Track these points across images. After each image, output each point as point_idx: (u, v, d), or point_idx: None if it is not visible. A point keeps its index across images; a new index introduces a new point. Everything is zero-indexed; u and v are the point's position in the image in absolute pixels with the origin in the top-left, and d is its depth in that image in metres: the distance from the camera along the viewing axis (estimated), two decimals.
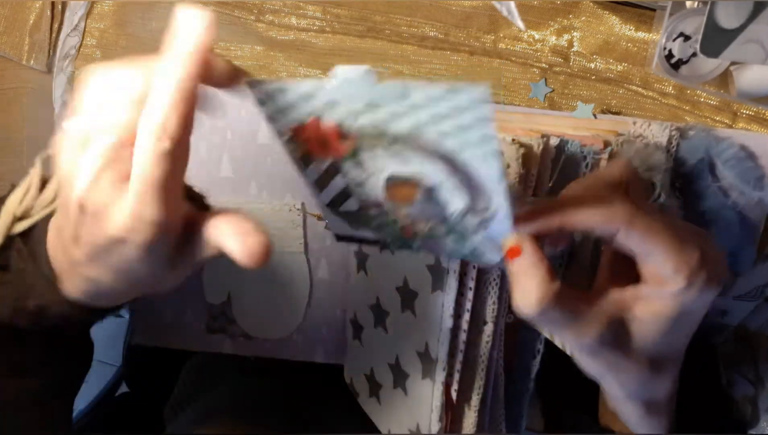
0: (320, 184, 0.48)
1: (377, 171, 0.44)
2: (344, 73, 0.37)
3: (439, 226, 0.46)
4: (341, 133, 0.42)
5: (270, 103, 0.41)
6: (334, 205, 0.49)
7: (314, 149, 0.45)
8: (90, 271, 0.43)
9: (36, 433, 0.55)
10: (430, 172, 0.42)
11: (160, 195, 0.37)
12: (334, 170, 0.46)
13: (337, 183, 0.47)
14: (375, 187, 0.46)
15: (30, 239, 0.50)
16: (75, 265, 0.43)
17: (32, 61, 0.72)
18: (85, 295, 0.46)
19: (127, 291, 0.45)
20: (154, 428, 0.72)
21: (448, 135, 0.38)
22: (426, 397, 0.55)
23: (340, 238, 0.52)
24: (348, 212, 0.49)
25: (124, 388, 1.19)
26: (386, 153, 0.42)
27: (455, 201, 0.42)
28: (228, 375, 0.85)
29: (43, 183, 0.53)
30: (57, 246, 0.45)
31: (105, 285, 0.43)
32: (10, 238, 0.51)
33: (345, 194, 0.48)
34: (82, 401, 1.14)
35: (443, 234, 0.46)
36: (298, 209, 0.73)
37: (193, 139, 0.70)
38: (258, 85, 0.40)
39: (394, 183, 0.44)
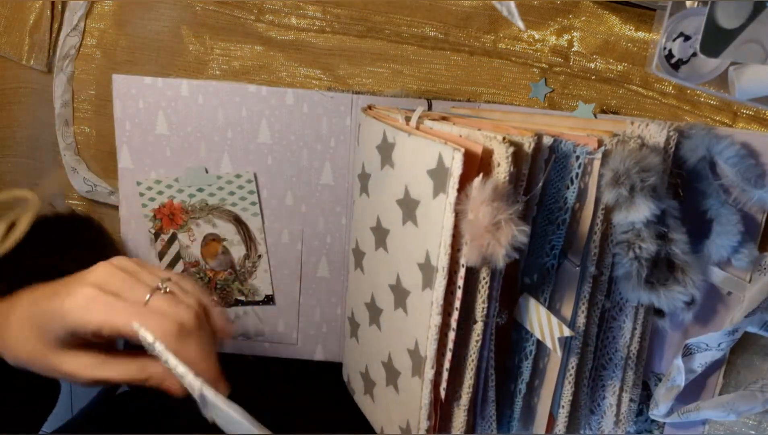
0: (162, 253, 0.74)
1: (198, 235, 0.73)
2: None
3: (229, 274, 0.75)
4: (182, 209, 0.73)
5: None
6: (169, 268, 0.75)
7: (165, 223, 0.73)
8: None
9: None
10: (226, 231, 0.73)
11: None
12: (172, 239, 0.74)
13: (173, 249, 0.74)
14: (196, 248, 0.74)
15: None
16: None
17: (32, 61, 0.72)
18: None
19: None
20: (154, 427, 0.72)
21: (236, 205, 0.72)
22: (415, 395, 0.54)
23: None
24: None
25: (124, 387, 1.20)
26: (204, 220, 0.73)
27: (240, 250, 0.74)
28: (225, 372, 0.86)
29: None
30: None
31: None
32: None
33: (177, 257, 0.74)
34: (83, 398, 1.14)
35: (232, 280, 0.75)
36: None
37: (194, 139, 0.71)
38: None
39: (206, 241, 0.74)
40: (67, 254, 0.54)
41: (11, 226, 0.60)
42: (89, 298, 0.48)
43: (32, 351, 0.51)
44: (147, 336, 0.47)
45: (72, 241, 0.65)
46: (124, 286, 0.50)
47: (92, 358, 0.52)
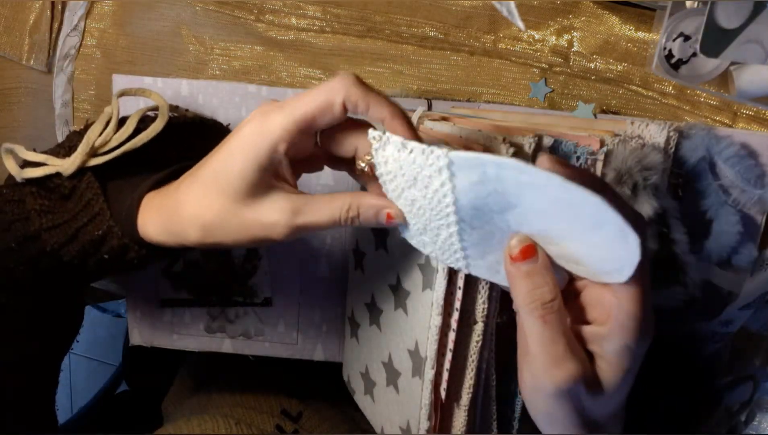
0: None
1: None
2: None
3: None
4: None
5: None
6: None
7: None
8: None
9: (21, 401, 0.57)
10: None
11: None
12: None
13: None
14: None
15: (102, 174, 0.53)
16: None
17: (32, 61, 0.72)
18: (177, 241, 0.48)
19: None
20: (153, 424, 0.72)
21: None
22: (416, 395, 0.54)
23: None
24: None
25: (124, 386, 1.20)
26: None
27: None
28: (225, 371, 0.86)
29: (121, 121, 0.56)
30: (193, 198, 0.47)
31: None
32: (80, 170, 0.53)
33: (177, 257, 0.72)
34: (83, 398, 1.15)
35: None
36: None
37: None
38: None
39: None
40: (201, 152, 0.49)
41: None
42: (263, 109, 0.46)
43: (220, 210, 0.45)
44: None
45: (204, 140, 0.61)
46: None
47: (289, 201, 0.46)
